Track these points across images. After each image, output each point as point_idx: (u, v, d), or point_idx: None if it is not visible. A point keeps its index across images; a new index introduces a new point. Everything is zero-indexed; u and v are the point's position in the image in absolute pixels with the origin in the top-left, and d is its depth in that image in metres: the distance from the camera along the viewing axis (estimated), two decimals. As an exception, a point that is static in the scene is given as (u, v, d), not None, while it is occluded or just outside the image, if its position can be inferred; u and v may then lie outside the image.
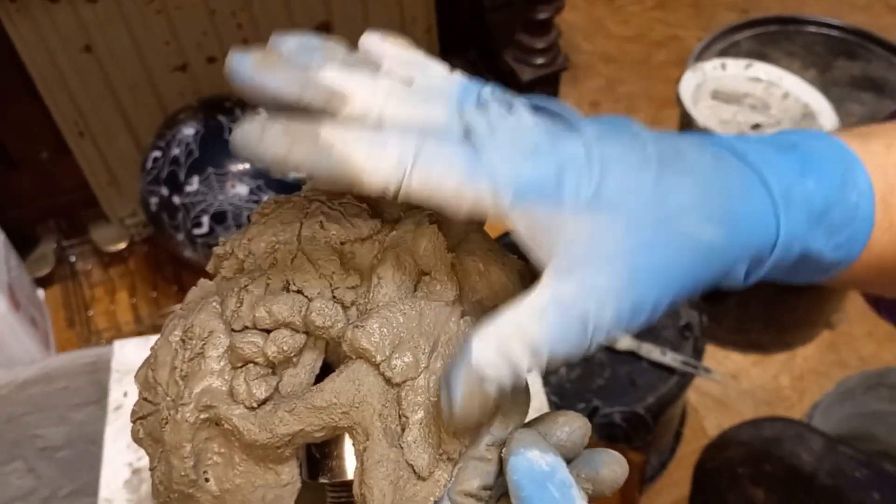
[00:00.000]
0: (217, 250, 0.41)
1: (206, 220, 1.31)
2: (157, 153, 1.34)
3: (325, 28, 1.50)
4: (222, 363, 0.37)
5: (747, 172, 0.35)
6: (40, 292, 1.54)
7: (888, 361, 1.43)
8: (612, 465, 0.33)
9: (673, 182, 0.32)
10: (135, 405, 0.40)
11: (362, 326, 0.35)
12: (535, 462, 0.31)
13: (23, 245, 1.51)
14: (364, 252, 0.38)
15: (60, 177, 1.52)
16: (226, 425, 0.36)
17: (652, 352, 1.11)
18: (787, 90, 1.22)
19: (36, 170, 1.51)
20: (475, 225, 0.40)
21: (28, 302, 1.41)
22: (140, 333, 1.48)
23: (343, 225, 0.38)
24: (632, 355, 1.13)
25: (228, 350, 0.37)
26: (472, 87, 0.33)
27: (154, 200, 1.34)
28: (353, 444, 0.36)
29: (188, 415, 0.36)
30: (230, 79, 0.33)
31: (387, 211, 0.39)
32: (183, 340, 0.38)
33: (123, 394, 0.84)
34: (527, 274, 0.40)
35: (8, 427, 1.09)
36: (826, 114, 1.18)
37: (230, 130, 1.31)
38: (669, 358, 1.11)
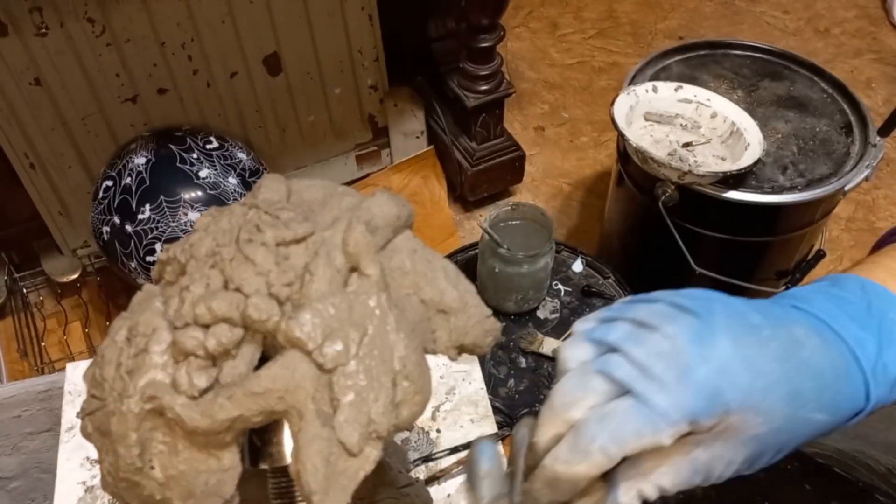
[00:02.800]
0: (160, 256, 0.44)
1: (158, 247, 1.33)
2: (108, 182, 1.36)
3: (274, 58, 1.54)
4: (165, 357, 0.39)
5: (846, 355, 0.41)
6: (-8, 324, 1.53)
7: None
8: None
9: (796, 378, 0.39)
10: (83, 403, 0.42)
11: (295, 318, 0.38)
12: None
13: (-27, 278, 1.51)
14: (298, 252, 0.41)
15: (11, 208, 1.53)
16: (169, 414, 0.38)
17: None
18: (716, 110, 1.29)
19: (-14, 202, 1.51)
20: (402, 228, 0.44)
21: (-21, 334, 1.40)
22: (94, 363, 1.48)
23: (278, 228, 0.41)
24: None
25: (171, 345, 0.39)
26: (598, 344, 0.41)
27: (106, 229, 1.35)
28: (290, 427, 0.39)
29: (133, 406, 0.39)
30: None
31: None
32: (128, 339, 0.41)
33: (76, 414, 0.86)
34: (449, 268, 0.44)
35: (-40, 457, 1.08)
36: (752, 132, 1.24)
37: (181, 159, 1.34)
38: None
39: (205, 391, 0.39)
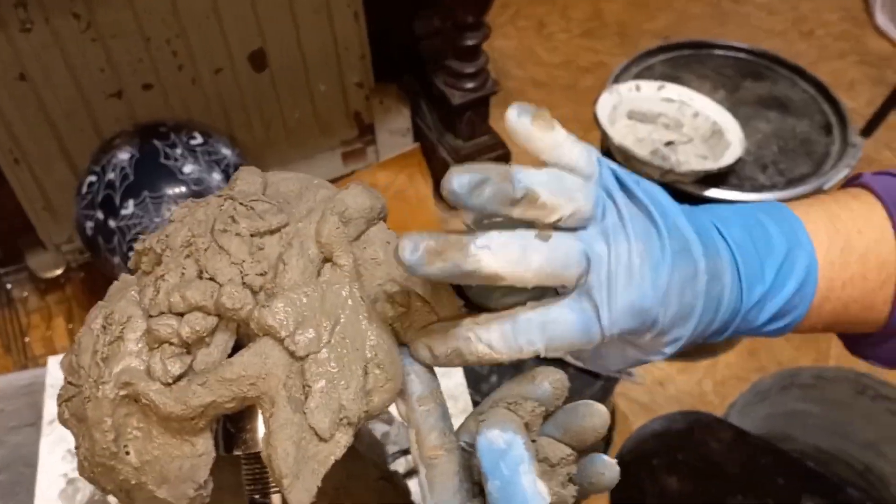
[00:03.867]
0: (137, 246, 0.44)
1: (142, 242, 1.33)
2: (92, 178, 1.36)
3: (259, 55, 1.54)
4: (140, 345, 0.40)
5: (736, 294, 0.43)
6: (-25, 320, 1.53)
7: (804, 365, 1.50)
8: (592, 417, 0.40)
9: (708, 308, 0.41)
10: (60, 389, 0.43)
11: (268, 306, 0.39)
12: (493, 441, 0.37)
13: (-43, 273, 1.51)
14: (273, 243, 0.42)
15: (-5, 204, 1.53)
16: (144, 401, 0.39)
17: (578, 358, 1.16)
18: (698, 109, 1.30)
19: (-30, 197, 1.51)
20: (376, 220, 0.44)
21: (-38, 328, 1.40)
22: (78, 358, 1.48)
23: (253, 219, 0.42)
24: (559, 362, 1.17)
25: (145, 333, 0.40)
26: (599, 202, 0.40)
27: (90, 224, 1.35)
28: (262, 413, 0.39)
29: (108, 392, 0.39)
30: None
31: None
32: (104, 327, 0.41)
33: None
34: (453, 298, 0.44)
35: (-58, 451, 1.08)
36: (733, 131, 1.25)
37: (165, 155, 1.34)
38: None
39: (179, 378, 0.39)
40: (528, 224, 0.38)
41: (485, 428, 0.37)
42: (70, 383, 0.42)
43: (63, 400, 0.42)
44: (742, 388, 1.48)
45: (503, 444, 0.36)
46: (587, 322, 0.38)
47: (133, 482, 0.41)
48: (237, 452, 0.43)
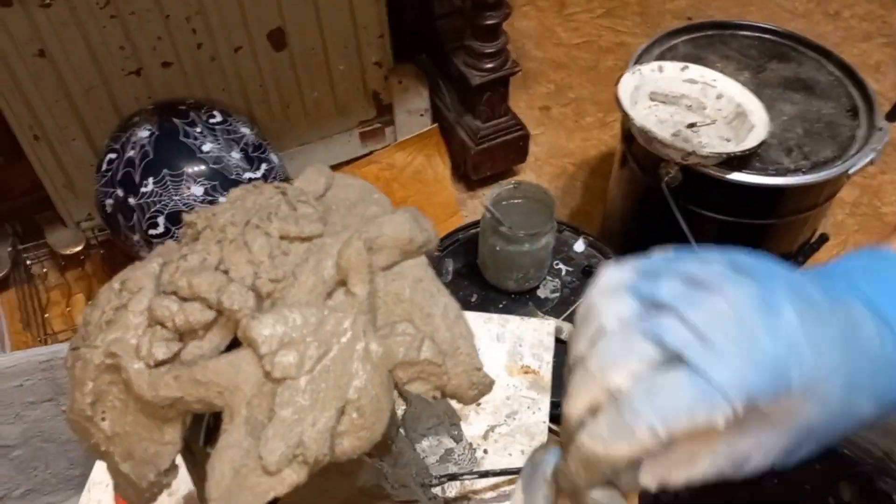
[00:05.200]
0: (186, 217, 0.44)
1: (161, 220, 1.33)
2: (112, 155, 1.36)
3: (278, 33, 1.53)
4: (140, 319, 0.40)
5: (893, 342, 0.36)
6: (-5, 295, 1.54)
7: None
8: None
9: (854, 363, 0.35)
10: (73, 336, 0.43)
11: (258, 318, 0.37)
12: None
13: (-23, 249, 1.52)
14: (299, 251, 0.40)
15: (15, 180, 1.53)
16: (123, 375, 0.39)
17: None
18: (722, 91, 1.28)
19: (-10, 173, 1.52)
20: (414, 253, 0.42)
21: (-17, 304, 1.41)
22: (96, 335, 1.49)
23: (288, 221, 0.41)
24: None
25: (148, 309, 0.40)
26: (640, 294, 0.35)
27: (109, 202, 1.35)
28: (221, 425, 0.38)
29: (95, 357, 0.39)
30: None
31: None
32: (119, 290, 0.41)
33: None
34: (450, 308, 0.42)
35: (-38, 425, 1.09)
36: (758, 113, 1.23)
37: (185, 133, 1.33)
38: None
39: (162, 363, 0.38)
40: None
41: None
42: (80, 334, 0.42)
43: (72, 347, 0.42)
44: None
45: None
46: (700, 384, 0.32)
47: (102, 449, 0.41)
48: (208, 450, 0.42)
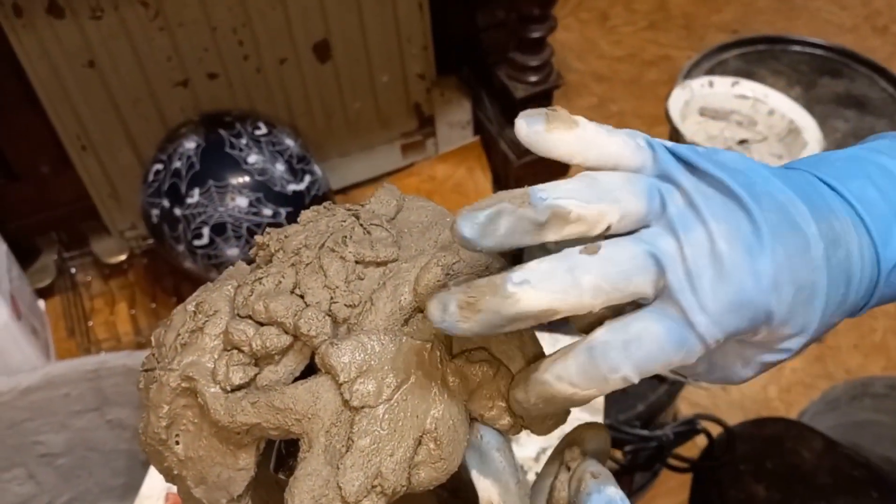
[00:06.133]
0: (258, 238, 0.43)
1: (206, 231, 1.34)
2: (158, 166, 1.37)
3: (323, 45, 1.54)
4: (216, 342, 0.39)
5: (872, 255, 0.37)
6: (41, 303, 1.56)
7: (873, 373, 1.45)
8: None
9: (833, 286, 0.35)
10: (145, 357, 0.42)
11: (337, 345, 0.36)
12: (612, 498, 0.35)
13: (24, 256, 1.54)
14: (374, 276, 0.39)
15: (61, 189, 1.55)
16: (199, 400, 0.38)
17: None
18: (773, 107, 1.26)
19: (37, 182, 1.53)
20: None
21: (29, 311, 1.43)
22: (139, 345, 1.50)
23: (363, 245, 0.40)
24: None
25: (224, 332, 0.39)
26: (654, 193, 0.34)
27: (155, 212, 1.36)
28: (300, 453, 0.37)
29: (172, 380, 0.38)
30: (459, 241, 0.32)
31: None
32: (194, 312, 0.40)
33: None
34: (529, 345, 0.40)
35: (9, 433, 1.10)
36: (811, 130, 1.21)
37: (230, 144, 1.34)
38: (659, 367, 1.13)
39: (238, 388, 0.38)
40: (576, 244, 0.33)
41: (601, 485, 0.35)
42: (153, 355, 0.42)
43: (144, 369, 0.42)
44: (808, 395, 1.44)
45: (620, 500, 0.35)
46: (679, 332, 0.32)
47: (175, 472, 0.40)
48: (281, 476, 0.42)
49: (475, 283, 0.32)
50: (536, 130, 0.34)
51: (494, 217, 0.31)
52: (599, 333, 0.33)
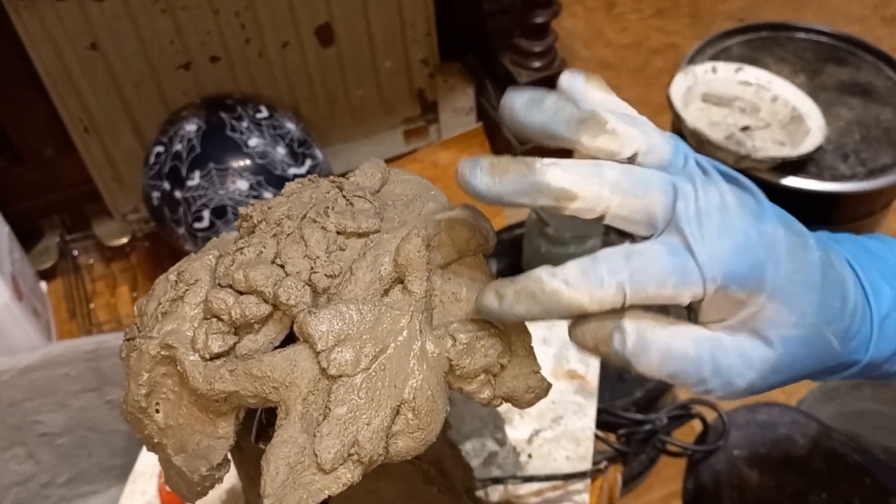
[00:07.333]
0: (241, 210, 0.43)
1: (206, 214, 1.34)
2: (159, 148, 1.37)
3: (326, 29, 1.53)
4: (196, 311, 0.39)
5: (862, 297, 0.38)
6: (43, 285, 1.56)
7: (875, 363, 1.44)
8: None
9: (829, 292, 0.36)
10: (128, 327, 0.42)
11: (315, 313, 0.36)
12: None
13: (26, 238, 1.54)
14: (356, 246, 0.39)
15: (64, 172, 1.55)
16: (179, 368, 0.38)
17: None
18: (777, 94, 1.25)
19: (40, 165, 1.54)
20: (470, 252, 0.41)
21: (31, 293, 1.43)
22: (140, 327, 1.51)
23: (345, 216, 0.40)
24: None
25: (204, 301, 0.39)
26: (680, 149, 0.36)
27: (156, 194, 1.37)
28: (277, 421, 0.37)
29: (151, 348, 0.39)
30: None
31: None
32: (176, 281, 0.40)
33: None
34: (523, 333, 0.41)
35: (9, 412, 1.11)
36: (814, 117, 1.20)
37: (231, 127, 1.34)
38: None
39: (217, 356, 0.38)
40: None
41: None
42: (134, 324, 0.42)
43: (126, 338, 0.42)
44: (807, 384, 1.44)
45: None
46: (680, 257, 0.33)
47: (155, 441, 0.41)
48: (262, 445, 0.42)
49: (505, 156, 0.34)
50: (577, 81, 0.37)
51: (539, 98, 0.34)
52: (606, 250, 0.34)
